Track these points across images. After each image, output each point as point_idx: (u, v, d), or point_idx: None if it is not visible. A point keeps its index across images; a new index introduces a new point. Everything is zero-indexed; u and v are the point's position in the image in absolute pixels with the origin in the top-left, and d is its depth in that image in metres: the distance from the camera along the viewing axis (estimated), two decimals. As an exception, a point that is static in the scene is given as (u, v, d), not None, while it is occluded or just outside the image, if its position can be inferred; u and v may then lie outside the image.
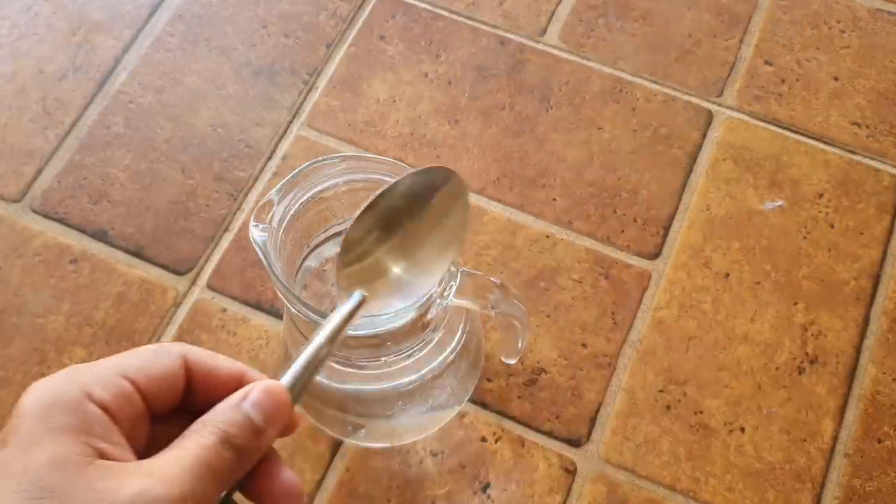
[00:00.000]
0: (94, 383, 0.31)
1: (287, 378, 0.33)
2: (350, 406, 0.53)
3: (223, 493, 0.31)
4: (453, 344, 0.52)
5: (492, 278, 0.46)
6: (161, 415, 0.33)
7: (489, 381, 0.59)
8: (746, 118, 0.68)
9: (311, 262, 0.53)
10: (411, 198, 0.39)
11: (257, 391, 0.32)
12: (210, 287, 0.62)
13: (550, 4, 0.73)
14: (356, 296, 0.36)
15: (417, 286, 0.40)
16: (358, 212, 0.38)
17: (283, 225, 0.46)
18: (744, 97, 0.69)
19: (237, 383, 0.33)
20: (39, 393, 0.30)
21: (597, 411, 0.58)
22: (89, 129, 0.68)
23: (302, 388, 0.33)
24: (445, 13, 0.72)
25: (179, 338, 0.60)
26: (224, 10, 0.73)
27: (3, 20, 0.72)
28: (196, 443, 0.30)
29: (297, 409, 0.34)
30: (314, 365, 0.34)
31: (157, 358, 0.33)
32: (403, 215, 0.39)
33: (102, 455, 0.29)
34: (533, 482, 0.56)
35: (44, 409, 0.30)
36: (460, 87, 0.69)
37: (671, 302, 0.62)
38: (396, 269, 0.40)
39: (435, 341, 0.49)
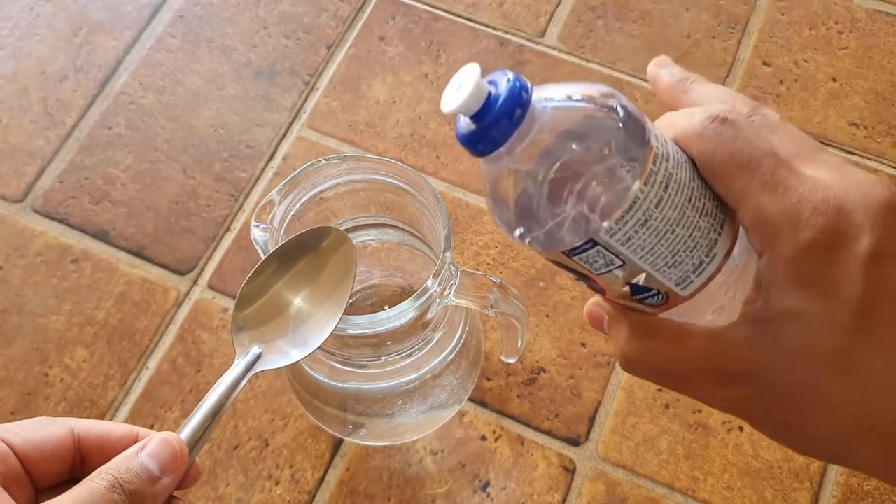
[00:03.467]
0: None
1: (185, 431, 0.35)
2: (350, 405, 0.54)
3: None
4: (453, 343, 0.52)
5: (492, 278, 0.47)
6: (51, 485, 0.33)
7: (489, 380, 0.59)
8: (745, 119, 0.69)
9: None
10: (300, 245, 0.42)
11: (154, 442, 0.34)
12: (211, 287, 0.62)
13: (550, 5, 0.73)
14: (253, 350, 0.38)
15: (315, 323, 0.41)
16: (250, 273, 0.41)
17: (285, 225, 0.46)
18: (742, 98, 0.69)
19: (132, 444, 0.34)
20: None
21: (596, 410, 0.59)
22: (91, 129, 0.68)
23: (199, 440, 0.35)
24: (445, 14, 0.73)
25: (181, 337, 0.61)
26: (225, 10, 0.73)
27: (5, 21, 0.73)
28: (87, 487, 0.31)
29: (198, 460, 0.36)
30: (211, 419, 0.36)
31: (40, 425, 0.34)
32: (296, 255, 0.42)
33: None
34: (532, 481, 0.57)
35: None
36: (460, 88, 0.69)
37: (670, 302, 0.62)
38: (297, 300, 0.41)
39: (435, 341, 0.50)
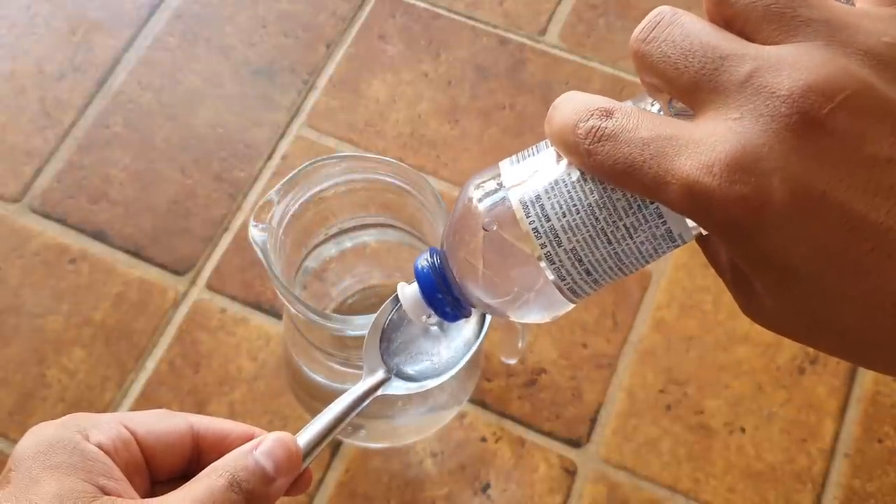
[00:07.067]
0: (91, 427, 0.31)
1: (302, 437, 0.34)
2: (350, 406, 0.53)
3: None
4: (453, 344, 0.51)
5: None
6: (166, 479, 0.33)
7: (489, 381, 0.59)
8: (747, 118, 0.68)
9: (311, 263, 0.52)
10: None
11: (269, 440, 0.33)
12: (209, 287, 0.62)
13: (550, 4, 0.73)
14: (379, 374, 0.38)
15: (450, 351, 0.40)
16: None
17: (283, 225, 0.46)
18: (744, 97, 0.69)
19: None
20: (36, 436, 0.31)
21: (597, 412, 0.58)
22: (88, 128, 0.68)
23: (315, 448, 0.34)
24: (445, 13, 0.72)
25: (178, 338, 0.60)
26: (223, 9, 0.73)
27: (3, 19, 0.72)
28: (205, 485, 0.31)
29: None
30: (329, 431, 0.35)
31: (162, 418, 0.33)
32: None
33: (105, 491, 0.30)
34: (533, 482, 0.56)
35: (41, 450, 0.30)
36: (460, 87, 0.69)
37: (671, 302, 0.62)
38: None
39: (435, 341, 0.49)
